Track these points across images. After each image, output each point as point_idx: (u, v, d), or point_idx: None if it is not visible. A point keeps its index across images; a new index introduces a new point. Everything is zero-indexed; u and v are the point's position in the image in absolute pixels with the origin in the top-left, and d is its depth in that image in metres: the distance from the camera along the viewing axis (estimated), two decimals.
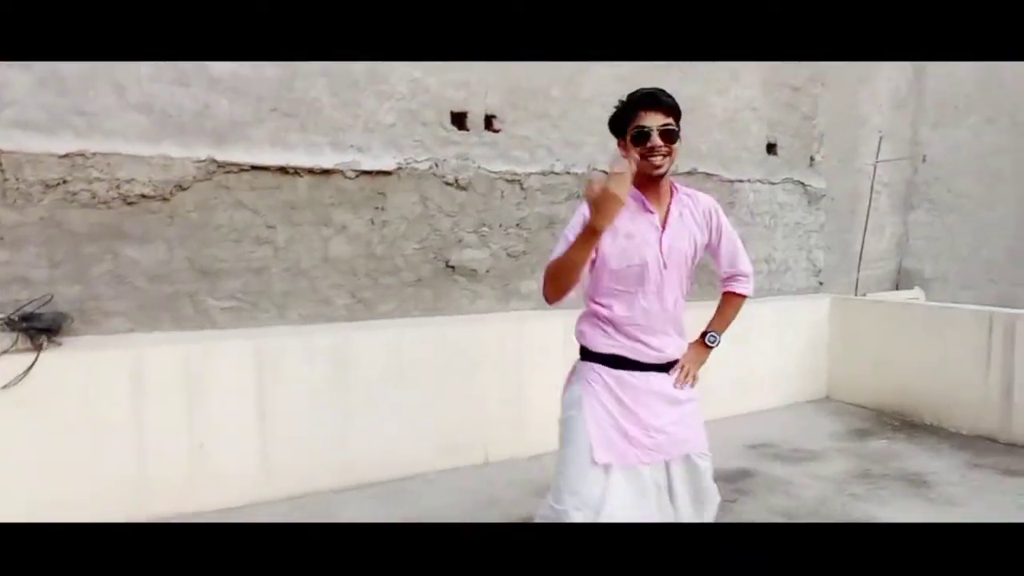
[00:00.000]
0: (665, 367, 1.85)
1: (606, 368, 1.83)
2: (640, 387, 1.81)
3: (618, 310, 1.79)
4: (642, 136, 1.69)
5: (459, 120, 3.66)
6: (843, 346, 4.70)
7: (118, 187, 2.88)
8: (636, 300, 1.78)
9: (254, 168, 3.15)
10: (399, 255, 3.53)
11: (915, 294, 6.20)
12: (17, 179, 2.71)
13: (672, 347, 1.85)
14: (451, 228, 3.66)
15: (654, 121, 1.69)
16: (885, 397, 4.43)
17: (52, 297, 2.75)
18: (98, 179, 2.85)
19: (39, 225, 2.77)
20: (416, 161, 3.53)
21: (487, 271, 3.78)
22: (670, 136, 1.71)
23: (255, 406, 2.97)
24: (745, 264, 2.00)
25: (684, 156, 4.35)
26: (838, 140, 5.63)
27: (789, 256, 4.96)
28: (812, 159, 5.01)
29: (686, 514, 1.94)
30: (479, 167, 3.70)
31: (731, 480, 3.29)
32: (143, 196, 2.94)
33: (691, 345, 1.95)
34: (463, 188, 3.67)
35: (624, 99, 1.78)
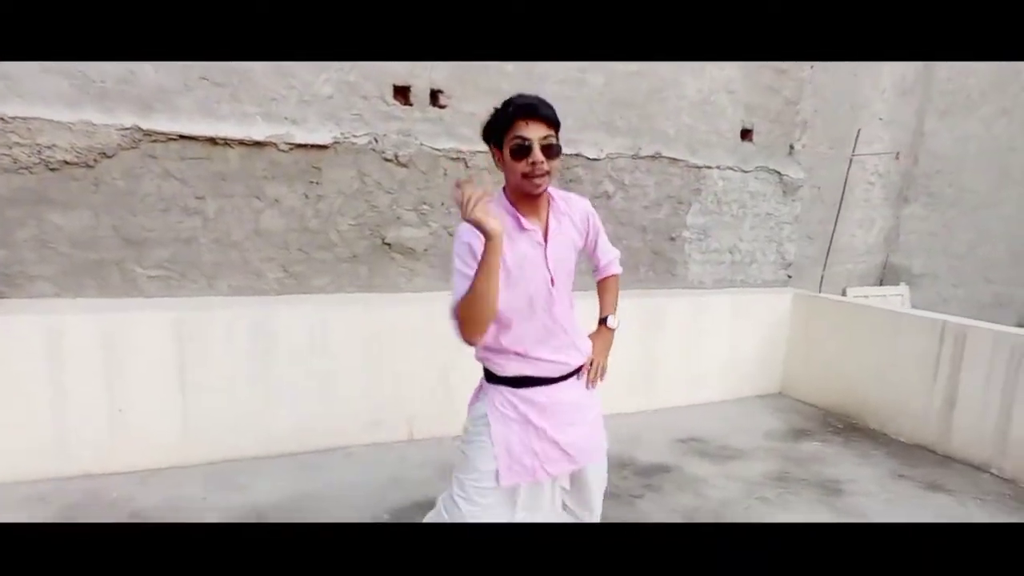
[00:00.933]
0: (571, 375, 1.85)
1: (511, 389, 1.79)
2: (547, 403, 1.79)
3: (517, 332, 1.74)
4: (522, 149, 1.58)
5: (402, 94, 3.57)
6: (801, 343, 4.61)
7: (40, 152, 2.91)
8: (531, 321, 1.74)
9: (182, 137, 3.14)
10: (334, 230, 3.53)
11: (900, 290, 6.02)
12: None
13: (574, 355, 1.84)
14: (389, 205, 3.63)
15: (535, 133, 1.59)
16: (835, 397, 4.36)
17: None
18: (19, 144, 2.87)
19: None
20: (354, 136, 3.48)
21: (425, 250, 3.75)
22: (552, 151, 1.61)
23: (176, 374, 3.05)
24: (612, 248, 2.05)
25: (648, 139, 4.23)
26: (832, 127, 5.38)
27: (757, 248, 4.82)
28: (792, 147, 4.80)
29: (577, 512, 2.03)
30: (421, 144, 3.63)
31: (644, 474, 3.31)
32: (66, 162, 2.96)
33: (594, 335, 1.97)
34: (403, 165, 3.62)
35: (500, 106, 1.68)
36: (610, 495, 3.03)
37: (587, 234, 1.89)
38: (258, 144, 3.28)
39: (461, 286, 1.57)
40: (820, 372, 4.47)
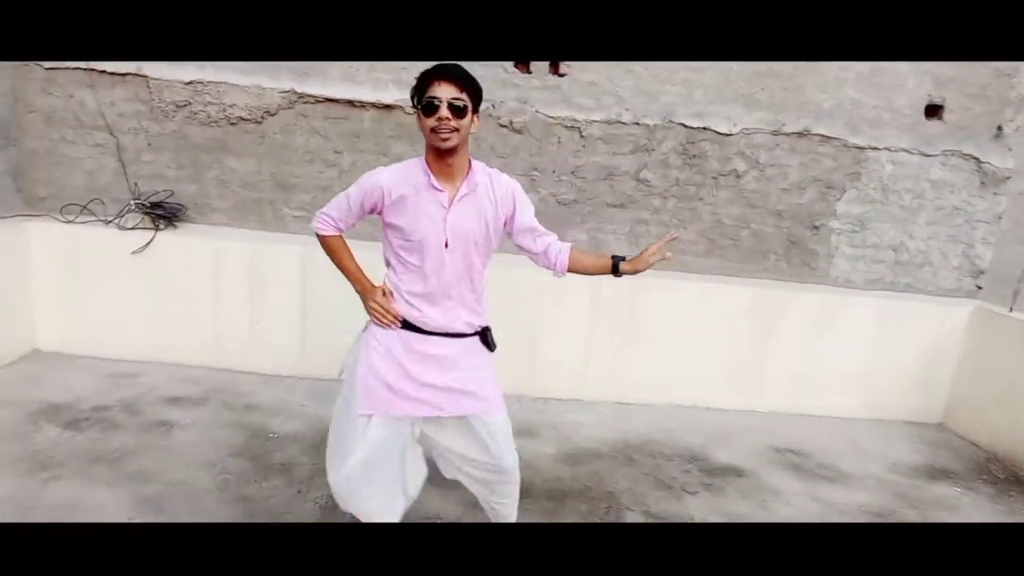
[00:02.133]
0: (452, 335, 1.90)
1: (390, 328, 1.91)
2: (418, 348, 1.89)
3: (405, 281, 1.87)
4: (431, 107, 1.70)
5: (523, 62, 3.68)
6: (976, 368, 3.79)
7: (224, 110, 3.64)
8: (420, 274, 1.84)
9: (327, 100, 3.66)
10: None
11: None
12: (159, 100, 3.61)
13: (458, 321, 1.89)
14: (500, 169, 3.78)
15: (445, 93, 1.69)
16: (1008, 439, 3.54)
17: (173, 192, 3.68)
18: (211, 103, 3.63)
19: (172, 136, 3.67)
20: None
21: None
22: (459, 111, 1.70)
23: (299, 299, 3.62)
24: (549, 232, 2.00)
25: (795, 113, 3.78)
26: None
27: (933, 247, 4.02)
28: (1000, 128, 3.87)
29: (472, 474, 2.04)
30: (536, 111, 3.72)
31: (710, 473, 3.10)
32: (241, 119, 3.66)
33: (619, 270, 1.95)
34: (518, 131, 3.75)
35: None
36: (660, 484, 2.96)
37: (512, 214, 1.90)
38: (387, 107, 3.68)
39: (337, 201, 1.94)
40: (995, 406, 3.64)
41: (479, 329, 1.96)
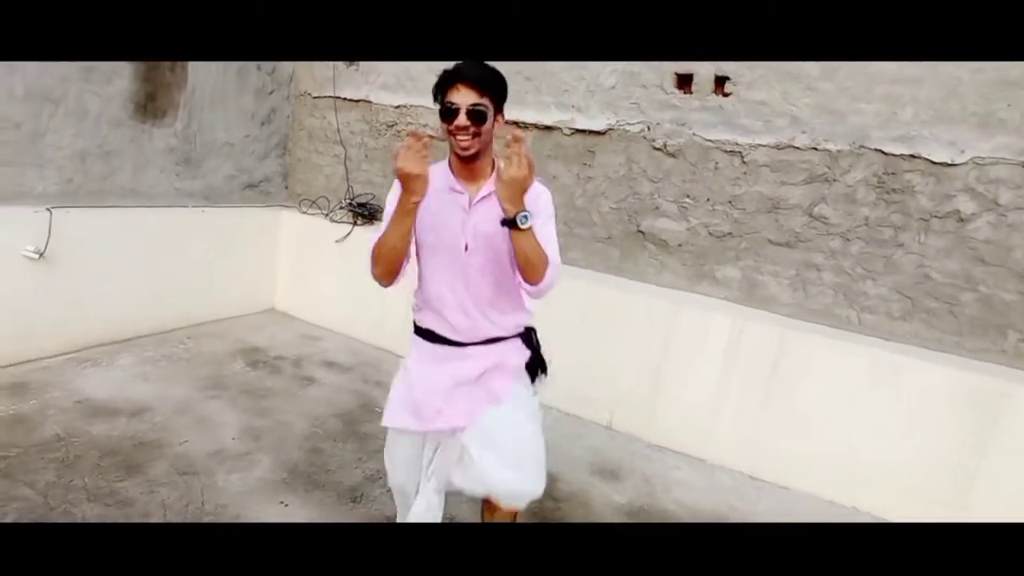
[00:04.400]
0: (486, 342, 1.81)
1: (421, 340, 1.88)
2: (442, 356, 1.82)
3: (431, 286, 1.81)
4: (449, 113, 1.65)
5: (684, 82, 3.43)
6: None
7: (420, 129, 4.24)
8: (444, 279, 1.77)
9: None
10: (596, 211, 3.76)
11: None
12: (376, 120, 4.40)
13: (486, 329, 1.80)
14: (651, 193, 3.59)
15: (464, 99, 1.63)
16: None
17: (374, 196, 4.43)
18: (411, 123, 4.27)
19: (382, 151, 4.43)
20: (628, 123, 3.59)
21: (679, 245, 3.54)
22: (478, 117, 1.63)
23: None
24: (552, 254, 1.68)
25: None
26: None
27: None
28: None
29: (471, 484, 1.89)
30: (693, 134, 3.41)
31: None
32: (431, 137, 4.20)
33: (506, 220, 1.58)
34: (671, 155, 3.49)
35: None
36: None
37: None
38: (548, 128, 3.82)
39: (382, 227, 1.75)
40: None
41: (517, 333, 1.88)
